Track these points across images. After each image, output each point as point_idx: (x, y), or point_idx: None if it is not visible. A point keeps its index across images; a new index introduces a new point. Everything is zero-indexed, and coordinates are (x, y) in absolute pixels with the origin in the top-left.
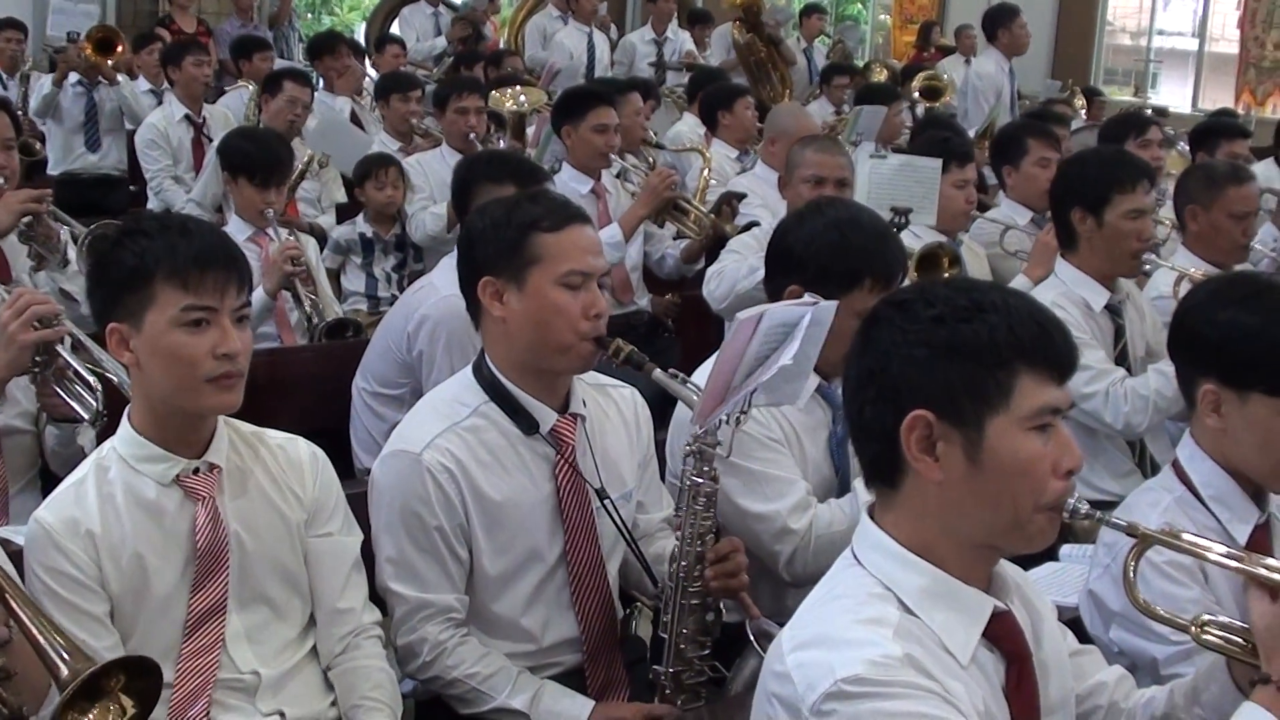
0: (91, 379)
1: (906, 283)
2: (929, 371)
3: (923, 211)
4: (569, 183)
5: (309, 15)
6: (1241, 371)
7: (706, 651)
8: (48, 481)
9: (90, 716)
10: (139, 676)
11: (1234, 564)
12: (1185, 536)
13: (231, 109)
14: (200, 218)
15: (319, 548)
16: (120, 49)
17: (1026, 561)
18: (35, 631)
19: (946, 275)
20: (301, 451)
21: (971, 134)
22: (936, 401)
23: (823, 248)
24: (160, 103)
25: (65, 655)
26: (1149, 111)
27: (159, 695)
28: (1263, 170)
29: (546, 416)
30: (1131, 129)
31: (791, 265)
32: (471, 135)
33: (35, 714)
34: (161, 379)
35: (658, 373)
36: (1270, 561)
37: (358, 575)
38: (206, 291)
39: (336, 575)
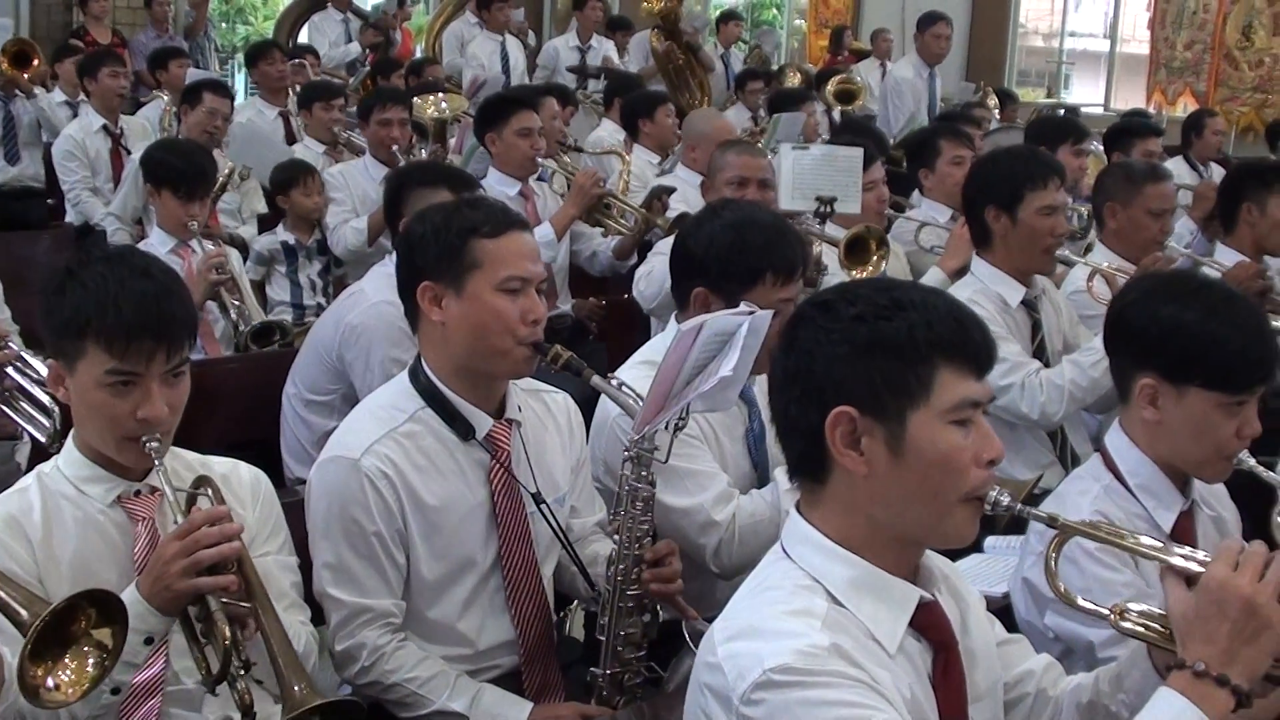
0: (45, 399)
1: (835, 273)
2: (851, 369)
3: (847, 200)
4: (496, 186)
5: (224, 25)
6: (1181, 366)
7: (643, 653)
8: None
9: (68, 668)
10: (105, 609)
11: (1150, 553)
12: (1103, 527)
13: (150, 120)
14: (121, 231)
15: (259, 567)
16: (37, 62)
17: (953, 554)
18: None
19: (875, 257)
20: (243, 476)
21: (891, 140)
22: (859, 398)
23: (721, 249)
24: (76, 115)
25: (21, 602)
26: (1060, 111)
27: (128, 624)
28: (1173, 167)
29: (482, 422)
30: (1068, 136)
31: (694, 269)
32: (395, 147)
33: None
34: (88, 424)
35: (596, 379)
36: (1185, 550)
37: (297, 594)
38: (132, 358)
39: (279, 592)
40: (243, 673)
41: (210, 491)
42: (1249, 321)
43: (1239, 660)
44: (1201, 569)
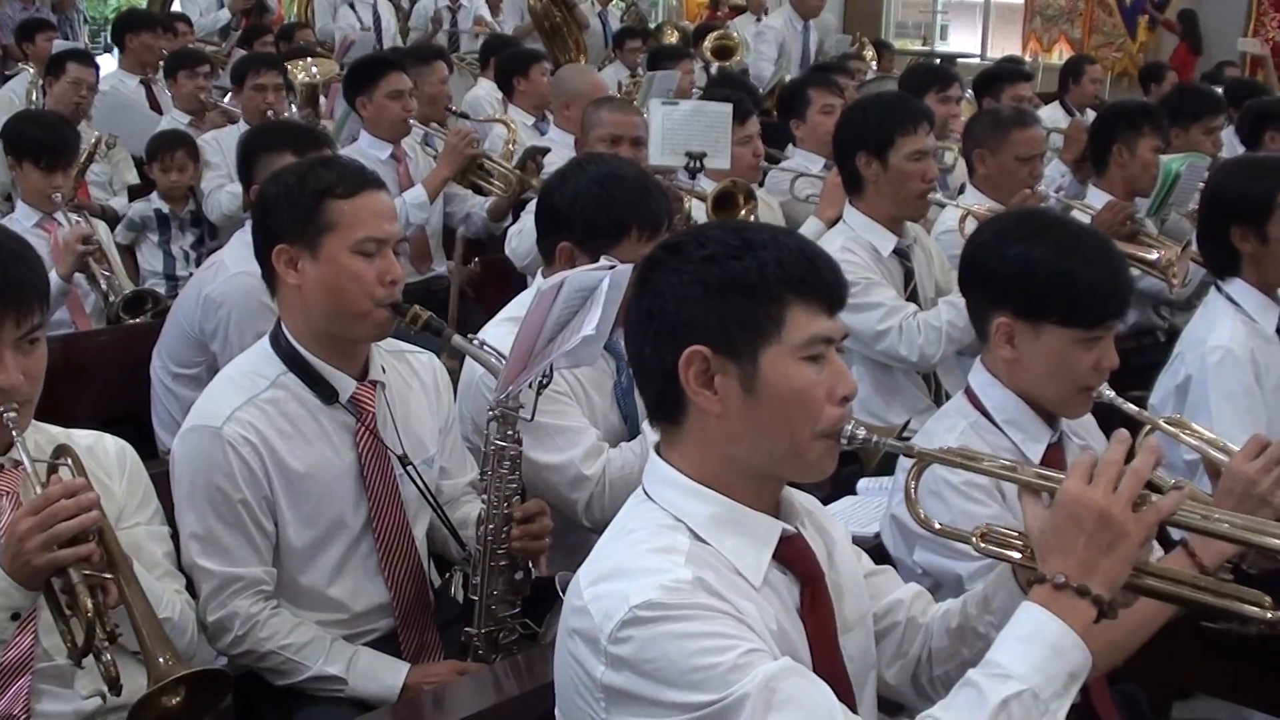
0: None
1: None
2: (703, 308)
3: (716, 155)
4: (367, 149)
5: None
6: (1034, 304)
7: (517, 610)
8: None
9: None
10: None
11: (1004, 473)
12: (957, 452)
13: (16, 93)
14: None
15: (129, 539)
16: None
17: (827, 495)
18: None
19: (743, 211)
20: (109, 448)
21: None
22: (711, 336)
23: (587, 203)
24: None
25: None
26: (938, 60)
27: None
28: (1049, 114)
29: (345, 385)
30: (934, 83)
31: (559, 223)
32: (269, 112)
33: None
34: None
35: (457, 338)
36: (1040, 469)
37: (170, 563)
38: None
39: (151, 562)
40: (107, 645)
41: (71, 462)
42: (1099, 256)
43: (1098, 571)
44: (1057, 485)
